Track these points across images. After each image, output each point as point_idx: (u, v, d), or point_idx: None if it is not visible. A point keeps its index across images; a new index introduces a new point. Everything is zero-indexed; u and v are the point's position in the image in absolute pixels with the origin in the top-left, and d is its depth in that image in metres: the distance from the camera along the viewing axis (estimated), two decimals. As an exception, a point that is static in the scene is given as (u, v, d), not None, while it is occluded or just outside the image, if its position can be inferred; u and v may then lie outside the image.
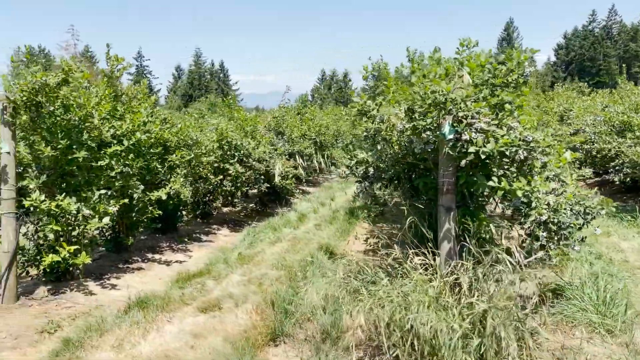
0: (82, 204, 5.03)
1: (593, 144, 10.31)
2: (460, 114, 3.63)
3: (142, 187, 5.95)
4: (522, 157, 3.58)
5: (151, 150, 6.17)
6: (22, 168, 5.14)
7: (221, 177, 7.77)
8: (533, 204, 3.84)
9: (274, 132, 10.62)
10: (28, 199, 4.65)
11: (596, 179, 11.75)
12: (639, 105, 10.18)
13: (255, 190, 10.28)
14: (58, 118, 4.88)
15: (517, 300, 3.46)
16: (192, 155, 6.61)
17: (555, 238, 3.93)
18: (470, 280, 3.49)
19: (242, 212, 9.90)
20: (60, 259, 4.93)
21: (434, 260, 3.76)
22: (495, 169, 3.83)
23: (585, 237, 4.11)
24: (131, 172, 5.74)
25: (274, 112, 11.64)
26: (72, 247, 4.99)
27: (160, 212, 6.25)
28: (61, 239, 5.23)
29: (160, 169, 6.45)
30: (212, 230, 8.31)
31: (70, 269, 5.44)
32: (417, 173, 4.65)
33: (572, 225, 3.95)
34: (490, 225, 4.00)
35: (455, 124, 3.70)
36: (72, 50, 48.55)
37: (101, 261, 6.33)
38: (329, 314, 4.02)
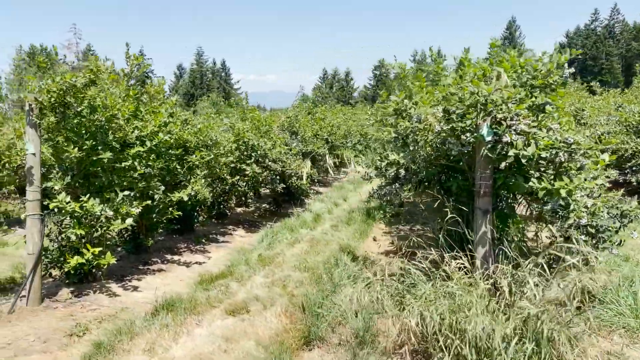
0: (106, 205, 4.98)
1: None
2: (499, 116, 3.58)
3: (162, 188, 5.91)
4: (563, 160, 3.53)
5: (170, 151, 6.12)
6: (44, 169, 5.10)
7: (238, 177, 7.72)
8: (571, 207, 3.78)
9: (287, 132, 10.58)
10: (54, 200, 4.60)
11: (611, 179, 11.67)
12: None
13: (267, 190, 10.24)
14: (83, 119, 4.84)
15: (558, 305, 3.42)
16: (212, 156, 6.56)
17: (593, 241, 3.88)
18: (509, 284, 3.45)
19: (256, 212, 9.85)
20: (84, 261, 4.89)
21: (472, 263, 3.71)
22: (532, 171, 3.78)
23: (623, 240, 4.07)
24: (152, 173, 5.69)
25: (288, 112, 11.58)
26: (97, 249, 4.95)
27: (180, 213, 6.20)
28: (83, 240, 5.19)
29: (179, 170, 6.40)
30: (227, 230, 8.26)
31: (93, 270, 5.39)
32: (446, 175, 4.60)
33: (609, 228, 3.90)
34: (525, 228, 3.94)
35: (493, 126, 3.65)
36: (75, 49, 48.46)
37: (121, 262, 6.28)
38: (362, 317, 3.97)
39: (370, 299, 3.39)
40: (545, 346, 2.57)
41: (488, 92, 3.40)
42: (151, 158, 5.64)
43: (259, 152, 7.84)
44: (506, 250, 3.46)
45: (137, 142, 5.47)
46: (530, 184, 3.58)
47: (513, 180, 3.72)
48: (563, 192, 3.34)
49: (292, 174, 8.62)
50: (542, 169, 3.87)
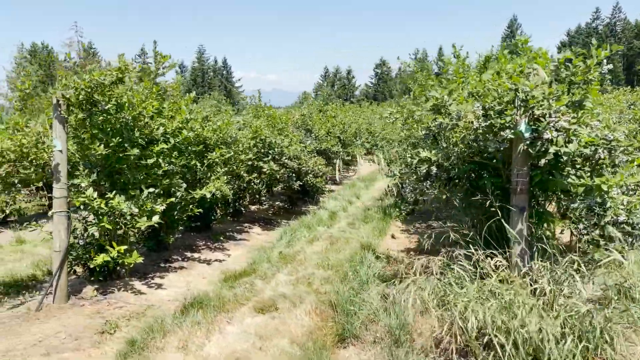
0: (131, 202, 4.96)
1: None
2: (537, 112, 3.55)
3: (184, 185, 5.89)
4: (602, 156, 3.50)
5: (189, 148, 6.09)
6: (69, 166, 5.07)
7: (255, 175, 7.69)
8: (608, 204, 3.76)
9: (302, 130, 10.55)
10: (82, 196, 4.58)
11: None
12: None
13: (278, 188, 10.21)
14: (109, 116, 4.81)
15: (596, 303, 3.40)
16: (232, 154, 6.53)
17: (630, 239, 3.86)
18: (549, 281, 3.43)
19: (270, 210, 9.83)
20: (109, 259, 4.87)
21: (508, 261, 3.69)
22: (568, 168, 3.75)
23: (659, 238, 4.04)
24: (175, 170, 5.67)
25: (302, 110, 11.56)
26: (122, 247, 4.93)
27: (200, 210, 6.18)
28: (107, 237, 5.17)
29: (199, 167, 6.37)
30: (244, 228, 8.24)
31: (117, 268, 5.38)
32: (476, 172, 4.57)
33: (645, 225, 3.88)
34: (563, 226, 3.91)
35: (530, 122, 3.62)
36: (76, 47, 48.32)
37: (143, 260, 6.23)
38: (395, 315, 3.95)
39: (406, 297, 3.37)
40: (601, 344, 2.55)
41: (530, 88, 3.37)
42: (173, 155, 5.62)
43: (275, 149, 7.81)
44: (546, 247, 3.43)
45: (161, 139, 5.44)
46: (570, 180, 3.55)
47: (550, 178, 3.69)
48: (605, 188, 3.32)
49: (308, 172, 8.59)
50: (578, 166, 3.85)
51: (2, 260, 6.47)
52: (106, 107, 4.59)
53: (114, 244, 4.95)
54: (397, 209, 8.49)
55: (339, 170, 12.94)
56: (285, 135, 8.18)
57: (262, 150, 7.76)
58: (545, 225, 4.12)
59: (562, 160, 3.69)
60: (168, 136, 5.47)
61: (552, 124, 3.48)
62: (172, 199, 5.43)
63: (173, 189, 5.77)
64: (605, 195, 3.74)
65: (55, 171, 4.65)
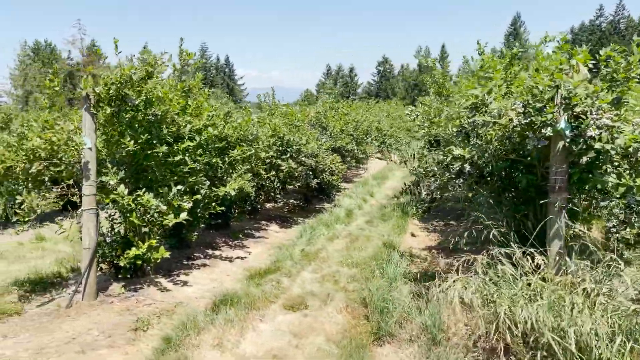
0: (160, 199, 4.94)
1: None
2: (577, 109, 3.53)
3: (207, 182, 5.87)
4: (644, 154, 3.47)
5: (210, 146, 6.07)
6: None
7: (273, 173, 7.67)
8: (646, 202, 3.73)
9: (317, 127, 10.53)
10: (114, 193, 4.56)
11: None
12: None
13: (291, 186, 10.19)
14: (137, 113, 4.79)
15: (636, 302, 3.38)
16: (253, 151, 6.51)
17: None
18: (590, 281, 3.41)
19: (285, 208, 9.81)
20: (140, 253, 4.85)
21: (545, 260, 3.67)
22: (607, 166, 3.73)
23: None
24: (199, 168, 5.65)
25: (317, 107, 11.54)
26: (153, 241, 4.91)
27: (222, 208, 6.16)
28: (131, 233, 5.16)
29: (220, 165, 6.35)
30: (261, 226, 8.22)
31: (144, 265, 5.37)
32: (506, 170, 4.54)
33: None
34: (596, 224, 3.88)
35: (570, 120, 3.60)
36: (79, 45, 48.28)
37: (167, 256, 6.25)
38: (430, 313, 3.94)
39: (451, 296, 3.35)
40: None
41: (574, 86, 3.34)
42: (198, 152, 5.60)
43: (294, 147, 7.79)
44: (588, 244, 3.41)
45: (187, 137, 5.42)
46: (610, 179, 3.52)
47: (590, 176, 3.67)
48: (647, 187, 3.29)
49: (325, 169, 8.57)
50: (616, 164, 3.82)
51: (24, 257, 6.47)
52: (136, 102, 4.57)
53: (139, 242, 4.94)
54: (414, 207, 8.47)
55: (350, 167, 12.90)
56: (302, 133, 8.16)
57: (281, 148, 7.74)
58: (579, 223, 4.09)
59: (601, 158, 3.66)
60: (193, 133, 5.45)
61: (593, 122, 3.45)
62: (198, 196, 5.41)
63: (197, 187, 5.75)
64: (644, 194, 3.70)
65: (85, 169, 4.63)
